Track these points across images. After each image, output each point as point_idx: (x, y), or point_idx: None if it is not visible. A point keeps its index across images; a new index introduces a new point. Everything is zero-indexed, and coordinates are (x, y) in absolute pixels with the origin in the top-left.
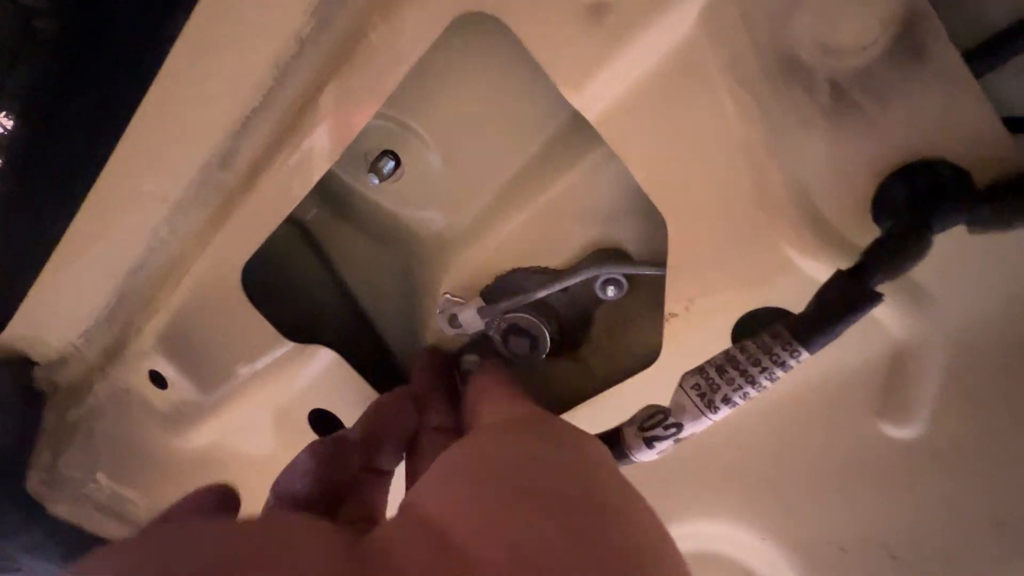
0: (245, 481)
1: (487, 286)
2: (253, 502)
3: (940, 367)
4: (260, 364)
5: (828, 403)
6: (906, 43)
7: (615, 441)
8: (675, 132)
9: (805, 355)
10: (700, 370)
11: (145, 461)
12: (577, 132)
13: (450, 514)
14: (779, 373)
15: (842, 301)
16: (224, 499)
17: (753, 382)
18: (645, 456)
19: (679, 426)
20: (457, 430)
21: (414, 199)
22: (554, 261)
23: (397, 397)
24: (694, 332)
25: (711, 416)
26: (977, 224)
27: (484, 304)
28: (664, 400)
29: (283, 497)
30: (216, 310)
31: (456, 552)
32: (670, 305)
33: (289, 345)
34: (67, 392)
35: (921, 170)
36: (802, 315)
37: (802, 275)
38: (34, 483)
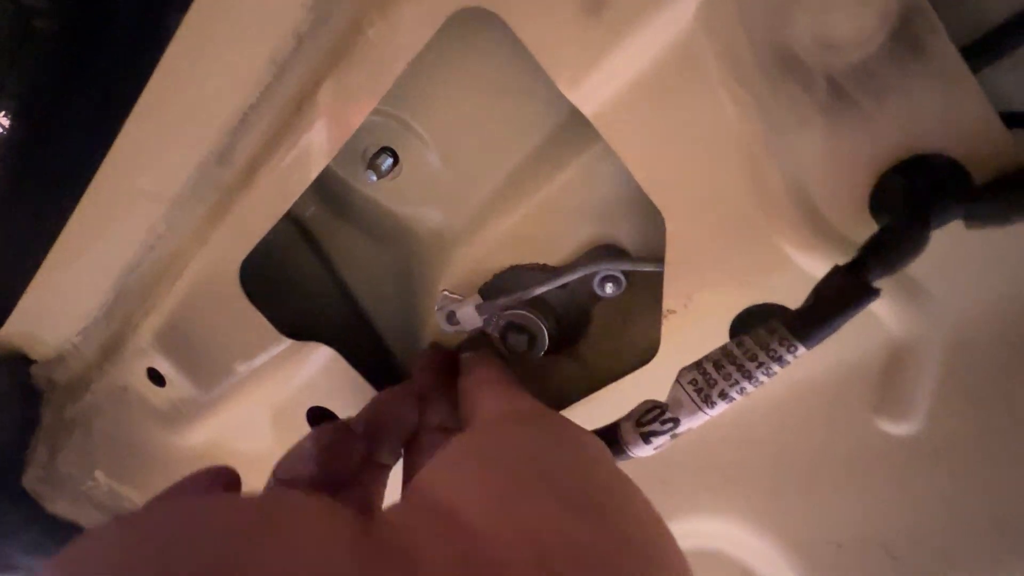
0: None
1: (485, 283)
2: None
3: (938, 363)
4: (258, 361)
5: (826, 399)
6: (903, 38)
7: (612, 436)
8: (672, 128)
9: (802, 350)
10: (697, 365)
11: (143, 459)
12: (575, 128)
13: (459, 498)
14: (776, 368)
15: (839, 296)
16: (225, 480)
17: (750, 377)
18: (642, 452)
19: (676, 421)
20: (458, 431)
21: (412, 196)
22: (552, 258)
23: (400, 392)
24: (692, 329)
25: (708, 411)
26: (975, 219)
27: (482, 301)
28: (662, 397)
29: (284, 481)
30: (214, 307)
31: (466, 533)
32: (668, 302)
33: (287, 342)
34: (65, 390)
35: (919, 165)
36: (799, 310)
37: (800, 271)
38: (32, 481)
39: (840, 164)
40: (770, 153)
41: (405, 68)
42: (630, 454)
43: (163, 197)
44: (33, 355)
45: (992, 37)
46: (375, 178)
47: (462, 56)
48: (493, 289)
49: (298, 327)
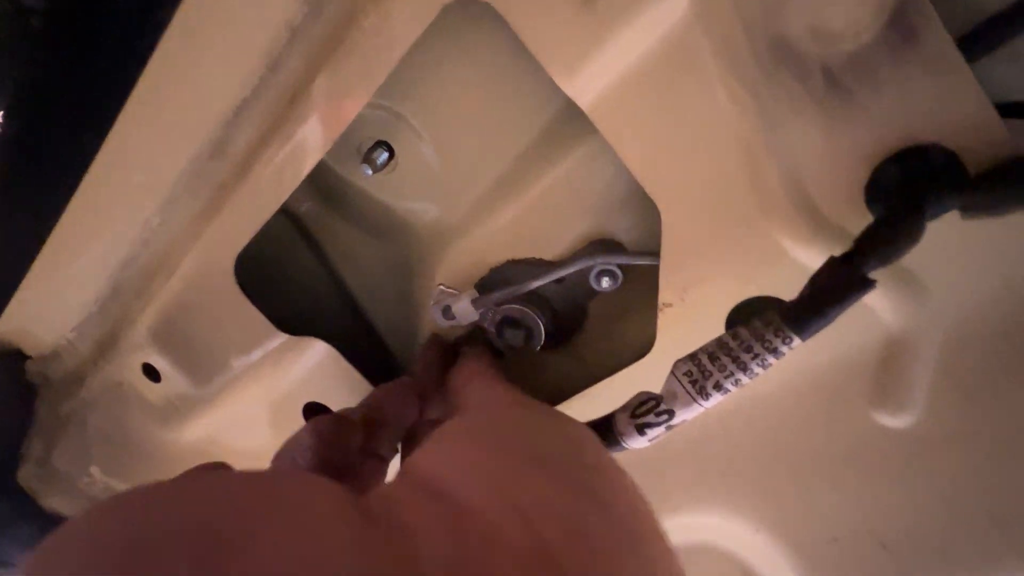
0: None
1: (481, 277)
2: None
3: (934, 355)
4: (254, 356)
5: (821, 392)
6: (898, 28)
7: (607, 427)
8: (668, 120)
9: (797, 341)
10: (692, 357)
11: (139, 455)
12: (571, 122)
13: (450, 474)
14: (771, 360)
15: (834, 287)
16: None
17: (745, 368)
18: (636, 443)
19: (671, 413)
20: None
21: (408, 190)
22: (548, 252)
23: (400, 386)
24: (688, 322)
25: (703, 403)
26: (970, 209)
27: (478, 295)
28: (659, 390)
29: None
30: (209, 302)
31: (457, 506)
32: (664, 295)
33: (283, 337)
34: (60, 385)
35: (914, 155)
36: (794, 301)
37: (796, 263)
38: (27, 477)
39: (836, 155)
40: (765, 144)
41: (400, 61)
42: (624, 445)
43: (157, 192)
44: (28, 351)
45: (987, 27)
46: (370, 172)
47: (457, 48)
48: (489, 283)
49: (294, 322)
